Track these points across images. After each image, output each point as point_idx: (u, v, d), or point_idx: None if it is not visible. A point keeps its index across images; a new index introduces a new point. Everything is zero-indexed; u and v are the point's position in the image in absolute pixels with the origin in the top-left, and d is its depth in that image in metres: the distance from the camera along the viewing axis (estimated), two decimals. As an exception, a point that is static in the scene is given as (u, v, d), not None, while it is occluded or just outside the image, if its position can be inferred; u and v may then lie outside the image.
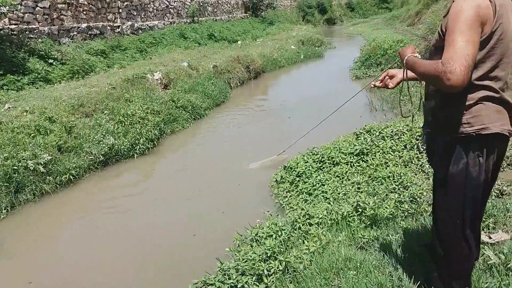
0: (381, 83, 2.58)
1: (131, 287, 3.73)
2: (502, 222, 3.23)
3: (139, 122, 7.15)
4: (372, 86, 2.68)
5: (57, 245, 4.52)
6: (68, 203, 5.34)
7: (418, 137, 4.85)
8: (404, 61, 2.10)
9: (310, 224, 3.63)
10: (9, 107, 6.79)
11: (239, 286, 2.96)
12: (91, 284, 3.77)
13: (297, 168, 4.95)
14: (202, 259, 3.83)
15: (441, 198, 2.18)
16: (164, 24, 18.16)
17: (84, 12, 13.33)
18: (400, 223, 3.53)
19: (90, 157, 6.08)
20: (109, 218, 4.96)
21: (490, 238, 3.01)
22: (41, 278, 3.90)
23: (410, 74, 2.35)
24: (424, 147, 2.44)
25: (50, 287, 3.81)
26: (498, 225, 3.23)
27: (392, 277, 2.72)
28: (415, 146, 4.77)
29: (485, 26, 1.85)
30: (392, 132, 5.07)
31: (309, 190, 4.54)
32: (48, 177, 5.50)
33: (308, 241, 3.31)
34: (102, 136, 6.44)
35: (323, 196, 4.35)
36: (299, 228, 3.60)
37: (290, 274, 3.06)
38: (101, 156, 6.20)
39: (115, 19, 14.89)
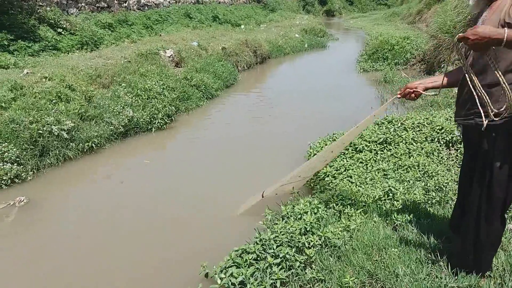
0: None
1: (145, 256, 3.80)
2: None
3: (156, 97, 7.19)
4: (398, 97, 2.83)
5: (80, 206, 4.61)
6: (89, 169, 5.44)
7: (438, 130, 5.06)
8: (505, 35, 1.83)
9: (343, 205, 3.79)
10: (28, 72, 6.78)
11: (281, 255, 3.11)
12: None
13: (320, 152, 5.07)
14: (233, 231, 3.97)
15: (497, 180, 2.34)
16: (169, 2, 18.02)
17: (93, -16, 13.20)
18: (428, 209, 3.72)
19: (111, 128, 6.13)
20: (127, 186, 5.07)
21: (513, 225, 3.23)
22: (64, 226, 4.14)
23: (431, 85, 2.60)
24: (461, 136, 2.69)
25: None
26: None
27: (430, 254, 2.90)
28: (435, 139, 4.96)
29: None
30: (413, 124, 5.24)
31: (334, 174, 4.68)
32: (71, 144, 5.55)
33: (344, 220, 3.47)
34: (121, 107, 6.48)
35: (348, 180, 4.50)
36: (333, 207, 3.76)
37: (328, 248, 3.22)
38: (121, 128, 6.25)
39: (122, -7, 14.77)
